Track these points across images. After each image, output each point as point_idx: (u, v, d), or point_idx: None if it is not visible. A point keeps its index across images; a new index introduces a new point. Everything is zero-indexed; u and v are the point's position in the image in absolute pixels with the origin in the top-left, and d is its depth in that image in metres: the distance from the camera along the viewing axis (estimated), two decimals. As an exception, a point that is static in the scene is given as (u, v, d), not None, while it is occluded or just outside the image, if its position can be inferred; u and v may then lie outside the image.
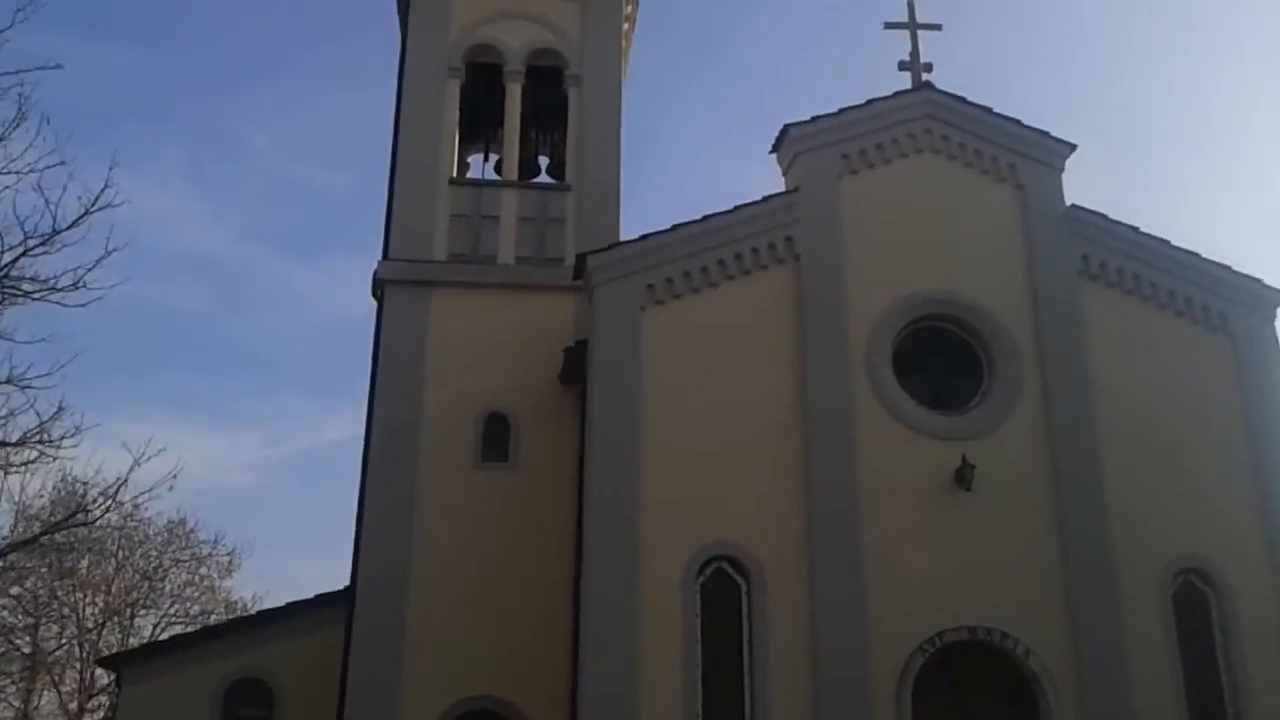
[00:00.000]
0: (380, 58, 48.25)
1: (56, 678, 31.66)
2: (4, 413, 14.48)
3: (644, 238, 15.05)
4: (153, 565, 32.85)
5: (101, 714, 31.92)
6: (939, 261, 15.61)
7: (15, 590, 29.51)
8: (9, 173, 13.52)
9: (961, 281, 15.57)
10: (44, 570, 29.30)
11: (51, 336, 14.36)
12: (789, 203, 15.60)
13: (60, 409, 14.58)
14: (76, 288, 13.73)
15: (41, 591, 30.51)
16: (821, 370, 14.73)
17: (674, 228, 15.08)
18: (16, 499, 23.16)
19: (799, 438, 14.42)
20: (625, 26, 19.94)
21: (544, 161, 20.49)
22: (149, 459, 15.93)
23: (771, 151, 16.29)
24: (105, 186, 13.81)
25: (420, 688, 15.18)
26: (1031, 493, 14.73)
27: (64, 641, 31.79)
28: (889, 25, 17.05)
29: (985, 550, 14.30)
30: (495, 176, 19.71)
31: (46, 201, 13.60)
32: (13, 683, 30.97)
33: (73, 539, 25.41)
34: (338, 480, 55.30)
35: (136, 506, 22.42)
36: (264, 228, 64.22)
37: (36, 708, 31.61)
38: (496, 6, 18.95)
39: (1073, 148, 16.53)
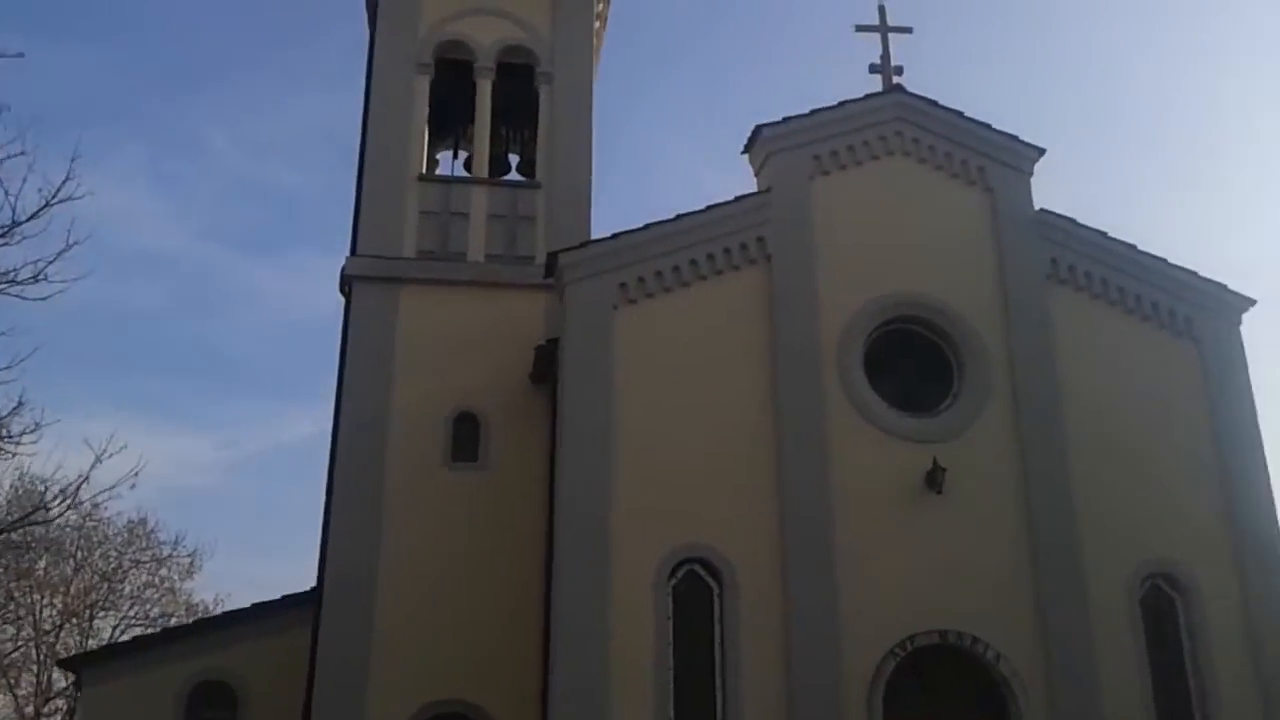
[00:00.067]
0: (345, 58, 47.97)
1: (13, 680, 31.10)
2: (-38, 407, 14.23)
3: (616, 236, 14.98)
4: (112, 566, 32.42)
5: (59, 718, 31.42)
6: (909, 264, 15.64)
7: (-30, 591, 29.05)
8: (-33, 164, 13.25)
9: (931, 284, 15.61)
10: (0, 570, 28.81)
11: (11, 330, 14.14)
12: (761, 203, 15.58)
13: (20, 404, 14.39)
14: (37, 280, 13.50)
15: (-3, 592, 30.03)
16: (793, 371, 14.71)
17: (646, 226, 15.02)
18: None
19: (770, 439, 14.40)
20: (596, 25, 19.87)
21: (514, 159, 20.40)
22: (111, 456, 15.67)
23: (744, 152, 16.25)
24: (67, 179, 13.59)
25: (388, 691, 15.03)
26: (1001, 496, 14.78)
27: (20, 643, 31.27)
28: (860, 28, 17.07)
29: (956, 554, 14.33)
30: (465, 174, 19.55)
31: (5, 193, 13.37)
32: (-33, 685, 30.46)
33: (30, 538, 25.04)
34: (298, 482, 55.03)
35: (96, 506, 22.00)
36: (224, 227, 63.80)
37: (-9, 710, 31.11)
38: (467, 3, 18.86)
39: (1041, 152, 16.62)
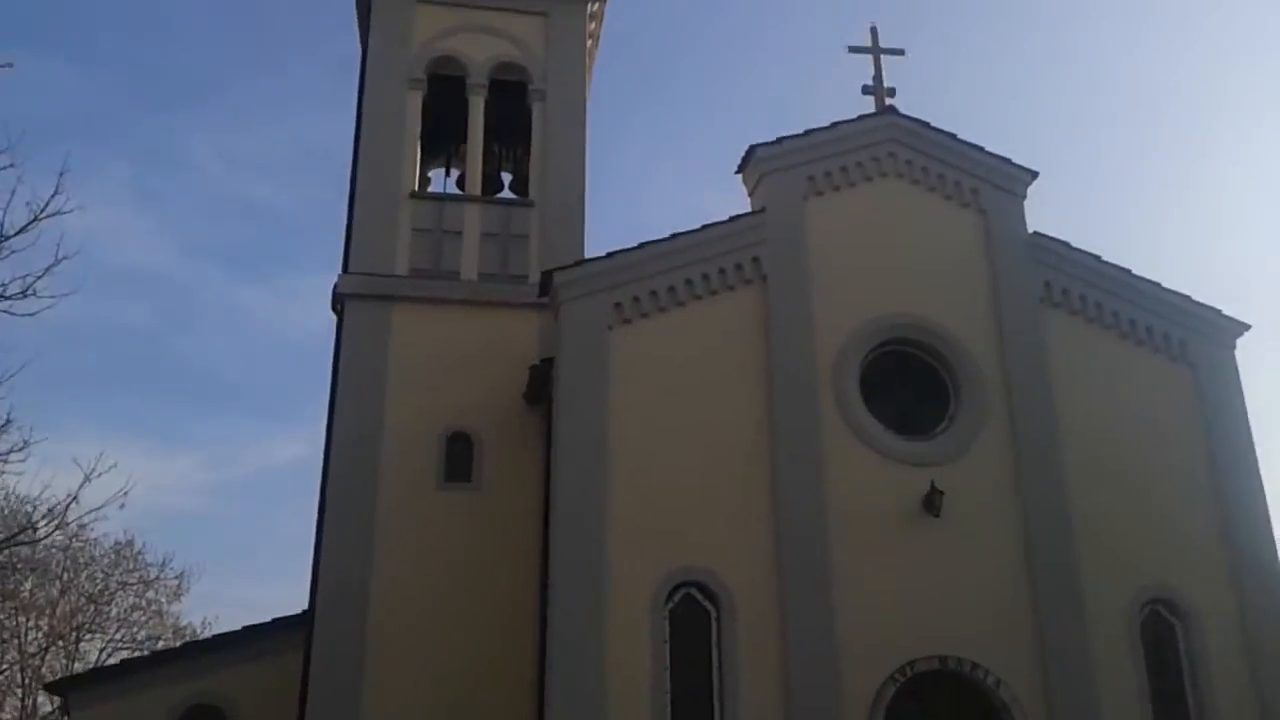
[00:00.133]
0: (333, 75, 48.04)
1: (-3, 704, 30.80)
2: (-51, 425, 14.05)
3: (611, 255, 14.90)
4: (99, 588, 32.08)
5: (45, 742, 31.09)
6: (904, 286, 15.62)
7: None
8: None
9: (927, 306, 15.57)
10: (-15, 592, 28.53)
11: (-2, 347, 13.97)
12: (756, 223, 15.53)
13: (8, 421, 14.20)
14: (26, 295, 13.33)
15: (-18, 614, 29.71)
16: (789, 393, 14.63)
17: (641, 245, 14.94)
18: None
19: (766, 461, 14.30)
20: (589, 43, 19.86)
21: (507, 177, 20.31)
22: (100, 475, 15.47)
23: (737, 172, 16.22)
24: (55, 193, 13.44)
25: (381, 714, 14.83)
26: (999, 520, 14.71)
27: (5, 667, 30.90)
28: (853, 49, 17.10)
29: (955, 578, 14.24)
30: (457, 191, 19.45)
31: None
32: (-50, 709, 30.12)
33: (16, 559, 24.73)
34: (287, 504, 54.61)
35: (83, 526, 21.86)
36: (211, 244, 63.46)
37: (-25, 734, 30.74)
38: (460, 19, 18.81)
39: (1034, 175, 16.62)
